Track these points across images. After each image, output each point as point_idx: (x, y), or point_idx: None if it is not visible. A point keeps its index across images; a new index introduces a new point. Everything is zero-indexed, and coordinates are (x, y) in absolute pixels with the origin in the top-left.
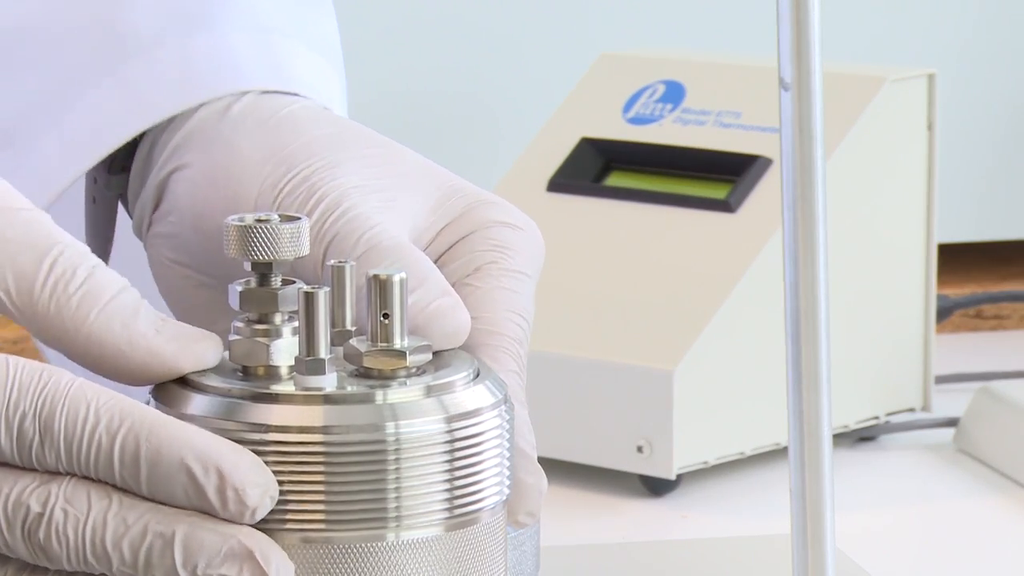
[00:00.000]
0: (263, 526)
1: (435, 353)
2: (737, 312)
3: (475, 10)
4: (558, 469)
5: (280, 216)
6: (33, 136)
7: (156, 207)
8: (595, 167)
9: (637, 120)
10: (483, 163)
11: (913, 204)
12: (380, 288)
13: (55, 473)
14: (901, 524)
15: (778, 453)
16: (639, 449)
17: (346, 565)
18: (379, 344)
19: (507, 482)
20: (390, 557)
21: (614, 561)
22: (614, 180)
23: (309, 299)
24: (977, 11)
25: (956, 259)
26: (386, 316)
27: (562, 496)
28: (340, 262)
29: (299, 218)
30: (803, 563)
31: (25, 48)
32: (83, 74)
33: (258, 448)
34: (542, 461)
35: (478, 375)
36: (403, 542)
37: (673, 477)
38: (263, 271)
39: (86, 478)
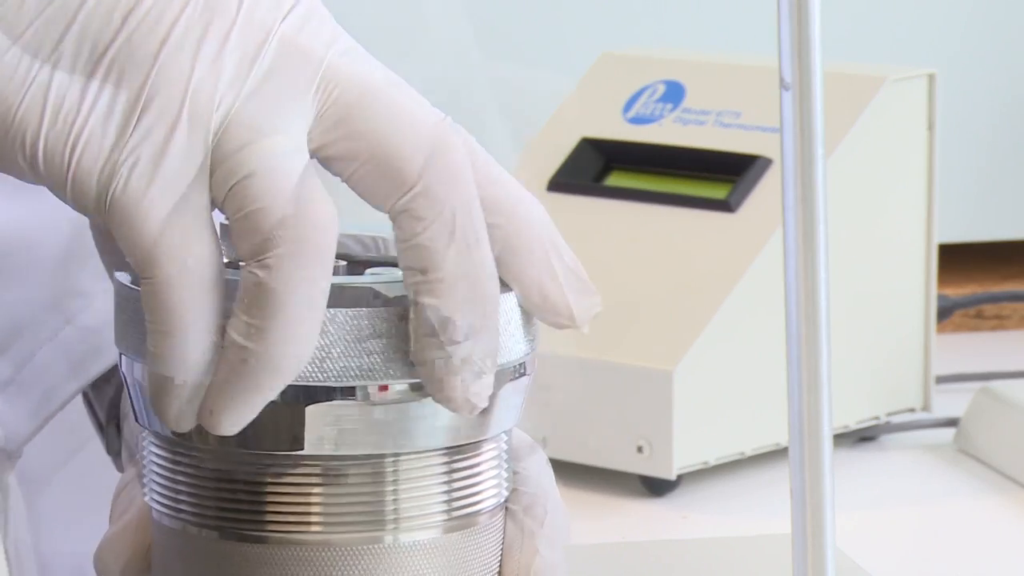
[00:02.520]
0: (262, 530)
1: None
2: (737, 312)
3: (475, 10)
4: (558, 469)
5: None
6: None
7: None
8: (595, 167)
9: (637, 120)
10: None
11: (913, 204)
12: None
13: None
14: (901, 524)
15: (778, 453)
16: (639, 449)
17: (344, 567)
18: None
19: (505, 484)
20: (388, 559)
21: (614, 561)
22: (614, 180)
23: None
24: (977, 11)
25: (956, 259)
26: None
27: (562, 496)
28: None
29: None
30: (803, 563)
31: (24, 255)
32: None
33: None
34: None
35: None
36: (401, 544)
37: (673, 477)
38: None
39: None
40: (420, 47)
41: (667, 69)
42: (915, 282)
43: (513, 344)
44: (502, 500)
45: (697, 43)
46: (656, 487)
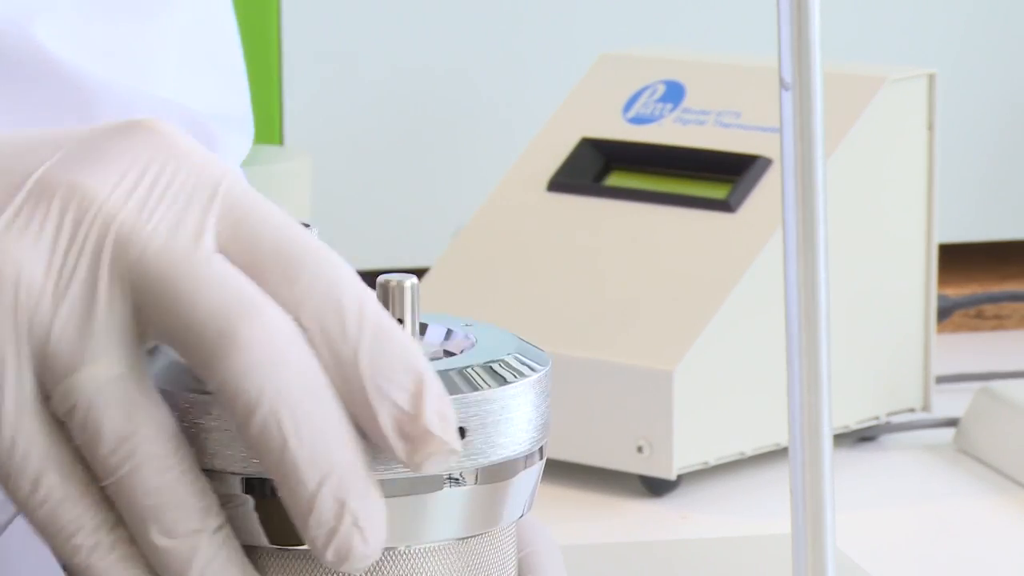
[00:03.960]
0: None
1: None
2: (737, 312)
3: (475, 10)
4: (558, 469)
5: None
6: None
7: None
8: (595, 167)
9: (637, 120)
10: (483, 163)
11: (913, 204)
12: (390, 294)
13: None
14: (901, 524)
15: (778, 453)
16: (639, 449)
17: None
18: None
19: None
20: (402, 565)
21: (614, 561)
22: (614, 180)
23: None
24: (977, 11)
25: (956, 259)
26: (400, 321)
27: (562, 496)
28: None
29: (307, 225)
30: (803, 563)
31: None
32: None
33: None
34: None
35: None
36: (415, 551)
37: (673, 477)
38: None
39: None
40: (420, 47)
41: (667, 69)
42: (915, 282)
43: (517, 435)
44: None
45: (697, 43)
46: (656, 487)
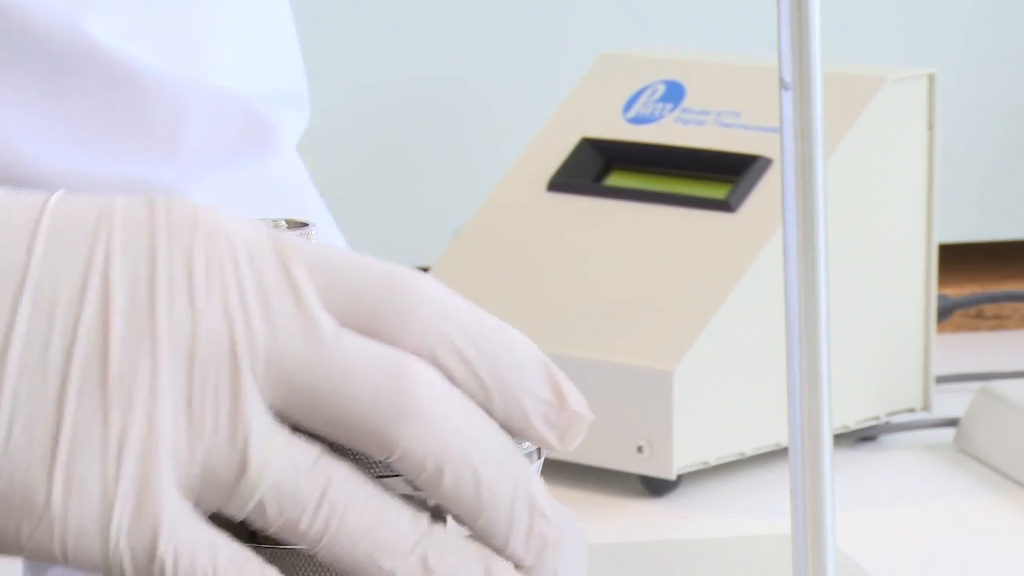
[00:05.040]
0: (280, 545)
1: None
2: (737, 312)
3: (475, 10)
4: (558, 469)
5: (288, 221)
6: None
7: None
8: (595, 167)
9: (637, 120)
10: (483, 163)
11: (913, 204)
12: None
13: None
14: (901, 524)
15: (778, 453)
16: (639, 449)
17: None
18: None
19: None
20: None
21: (614, 561)
22: (614, 180)
23: None
24: (977, 11)
25: (956, 259)
26: None
27: (562, 496)
28: None
29: (307, 223)
30: (803, 563)
31: None
32: None
33: None
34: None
35: None
36: None
37: (673, 477)
38: None
39: None
40: (420, 47)
41: (667, 69)
42: (915, 282)
43: None
44: None
45: (697, 43)
46: (656, 487)
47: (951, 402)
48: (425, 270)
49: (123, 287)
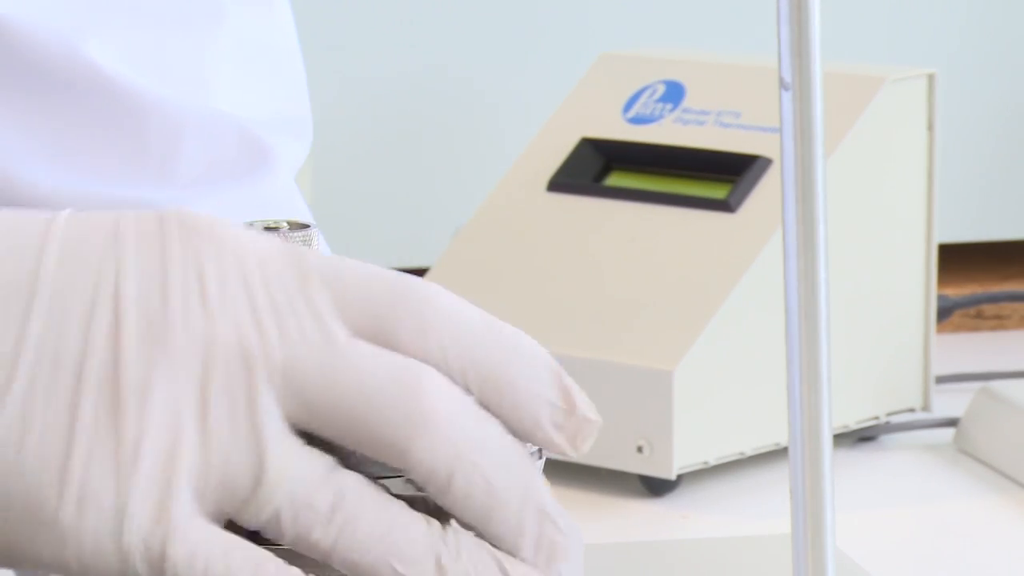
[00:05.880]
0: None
1: None
2: (737, 312)
3: (475, 10)
4: (558, 469)
5: (288, 223)
6: None
7: None
8: (595, 167)
9: (637, 120)
10: (483, 163)
11: (913, 204)
12: None
13: None
14: (901, 524)
15: (778, 453)
16: (639, 449)
17: None
18: None
19: None
20: None
21: (614, 561)
22: (614, 180)
23: None
24: (977, 11)
25: (956, 259)
26: None
27: (562, 496)
28: None
29: (308, 225)
30: (803, 563)
31: None
32: None
33: None
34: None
35: None
36: None
37: (673, 477)
38: None
39: None
40: (419, 46)
41: (667, 69)
42: (915, 282)
43: None
44: None
45: (697, 43)
46: (656, 487)
47: (951, 402)
48: (425, 270)
49: (135, 298)
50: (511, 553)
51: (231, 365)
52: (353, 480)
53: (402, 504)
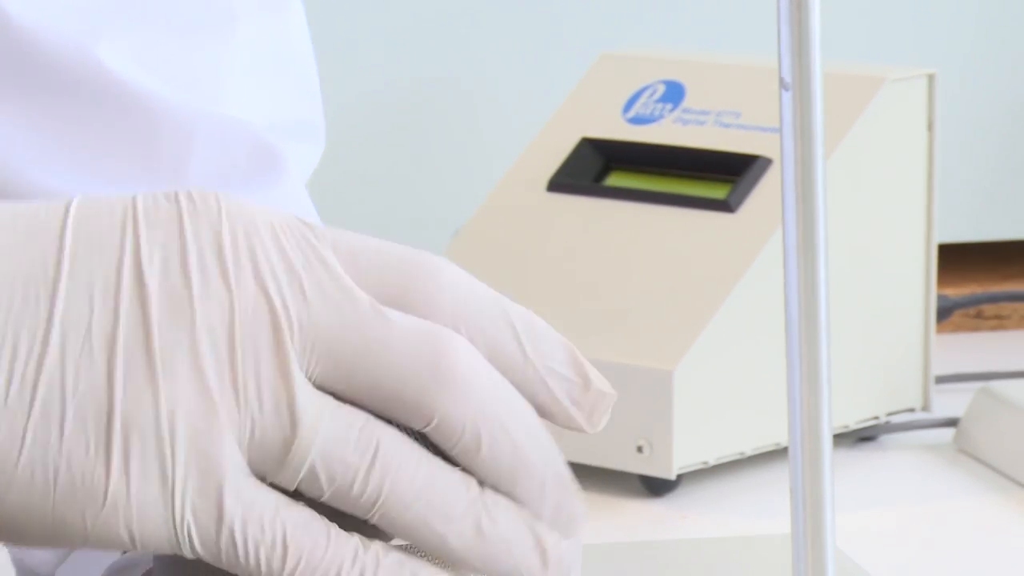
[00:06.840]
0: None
1: None
2: (737, 312)
3: (475, 10)
4: None
5: None
6: None
7: None
8: (595, 167)
9: (637, 120)
10: (483, 163)
11: (913, 204)
12: None
13: None
14: (901, 524)
15: (778, 453)
16: (639, 449)
17: None
18: None
19: None
20: None
21: (614, 561)
22: (614, 180)
23: None
24: (977, 11)
25: (956, 259)
26: None
27: None
28: None
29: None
30: (803, 563)
31: None
32: None
33: None
34: None
35: None
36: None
37: (673, 477)
38: None
39: None
40: (420, 46)
41: (667, 69)
42: (915, 282)
43: None
44: None
45: (697, 43)
46: (656, 487)
47: (951, 402)
48: None
49: (156, 270)
50: (537, 514)
51: (256, 327)
52: (390, 434)
53: (440, 461)
